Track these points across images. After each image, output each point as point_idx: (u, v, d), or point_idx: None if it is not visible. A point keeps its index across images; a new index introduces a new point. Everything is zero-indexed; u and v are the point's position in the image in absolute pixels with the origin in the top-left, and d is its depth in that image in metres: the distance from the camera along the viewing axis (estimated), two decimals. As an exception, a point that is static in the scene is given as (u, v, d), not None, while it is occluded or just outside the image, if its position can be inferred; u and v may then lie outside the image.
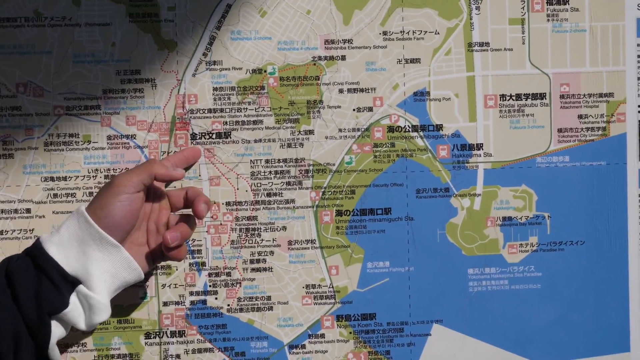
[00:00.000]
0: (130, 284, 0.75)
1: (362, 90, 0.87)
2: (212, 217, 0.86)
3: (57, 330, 0.70)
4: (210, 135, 0.86)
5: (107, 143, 0.85)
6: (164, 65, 0.86)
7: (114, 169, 0.85)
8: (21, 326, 0.68)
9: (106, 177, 0.85)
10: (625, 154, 0.89)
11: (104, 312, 0.72)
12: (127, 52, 0.85)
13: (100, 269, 0.70)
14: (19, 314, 0.68)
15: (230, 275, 0.87)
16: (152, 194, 0.79)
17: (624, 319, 0.89)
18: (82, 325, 0.71)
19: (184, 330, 0.87)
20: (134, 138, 0.86)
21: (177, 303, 0.86)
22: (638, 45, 0.88)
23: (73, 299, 0.70)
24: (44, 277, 0.68)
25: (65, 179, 0.85)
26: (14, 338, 0.67)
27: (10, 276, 0.69)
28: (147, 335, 0.86)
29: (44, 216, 0.85)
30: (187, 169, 0.85)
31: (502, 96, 0.88)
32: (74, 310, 0.70)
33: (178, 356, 0.87)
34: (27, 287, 0.68)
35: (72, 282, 0.69)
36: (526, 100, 0.88)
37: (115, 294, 0.75)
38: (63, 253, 0.70)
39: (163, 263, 0.85)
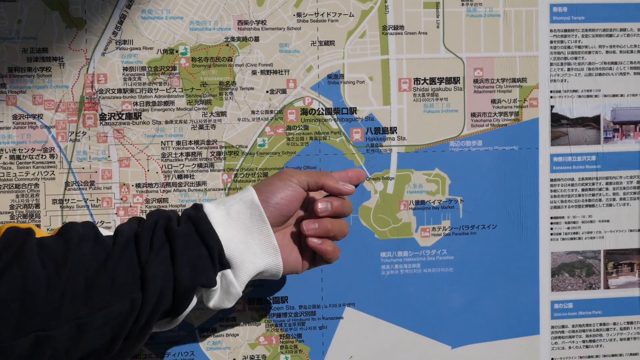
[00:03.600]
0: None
1: (275, 72, 0.86)
2: (121, 198, 0.85)
3: (193, 301, 0.72)
4: (120, 115, 0.85)
5: (13, 122, 0.83)
6: (72, 43, 0.84)
7: (19, 149, 0.83)
8: (169, 287, 0.69)
9: (12, 157, 0.83)
10: (537, 139, 0.90)
11: (233, 302, 0.74)
12: (34, 29, 0.83)
13: (253, 265, 0.72)
14: (172, 275, 0.69)
15: (141, 258, 0.86)
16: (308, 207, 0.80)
17: (534, 302, 0.90)
18: (210, 303, 0.73)
19: (93, 314, 0.85)
20: (41, 118, 0.84)
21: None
22: (551, 30, 0.89)
23: (217, 278, 0.71)
24: (205, 251, 0.70)
25: (-31, 159, 0.83)
26: (159, 295, 0.68)
27: (174, 238, 0.70)
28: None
29: (-54, 197, 0.83)
30: None
31: (417, 80, 0.88)
32: (215, 290, 0.72)
33: (87, 340, 0.85)
34: (188, 254, 0.69)
35: (223, 265, 0.71)
36: (440, 84, 0.88)
37: None
38: (227, 235, 0.71)
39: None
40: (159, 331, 0.75)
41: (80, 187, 0.85)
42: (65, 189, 0.84)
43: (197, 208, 0.73)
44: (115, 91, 0.85)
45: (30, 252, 0.67)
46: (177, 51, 0.85)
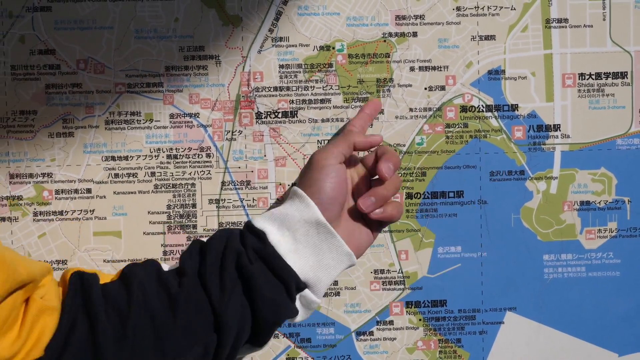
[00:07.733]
0: None
1: (434, 68, 0.84)
2: (277, 199, 0.83)
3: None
4: (276, 114, 0.83)
5: (170, 122, 0.82)
6: (228, 41, 0.82)
7: (176, 149, 0.82)
8: (247, 325, 0.68)
9: (169, 156, 0.82)
10: None
11: (314, 310, 0.73)
12: (191, 27, 0.82)
13: (329, 277, 0.71)
14: (249, 315, 0.68)
15: (296, 260, 0.84)
16: (349, 166, 0.76)
17: None
18: (295, 321, 0.72)
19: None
20: (197, 117, 0.83)
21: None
22: None
23: (297, 301, 0.71)
24: (282, 287, 0.69)
25: (126, 158, 0.82)
26: (237, 335, 0.67)
27: (249, 278, 0.68)
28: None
29: (104, 197, 0.82)
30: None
31: (581, 75, 0.84)
32: (299, 315, 0.71)
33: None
34: (267, 294, 0.68)
35: (300, 289, 0.70)
36: (606, 79, 0.84)
37: None
38: (300, 262, 0.69)
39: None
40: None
41: (237, 186, 0.83)
42: (221, 188, 0.83)
43: (262, 239, 0.69)
44: (272, 89, 0.83)
45: (97, 302, 0.65)
46: (333, 48, 0.83)
